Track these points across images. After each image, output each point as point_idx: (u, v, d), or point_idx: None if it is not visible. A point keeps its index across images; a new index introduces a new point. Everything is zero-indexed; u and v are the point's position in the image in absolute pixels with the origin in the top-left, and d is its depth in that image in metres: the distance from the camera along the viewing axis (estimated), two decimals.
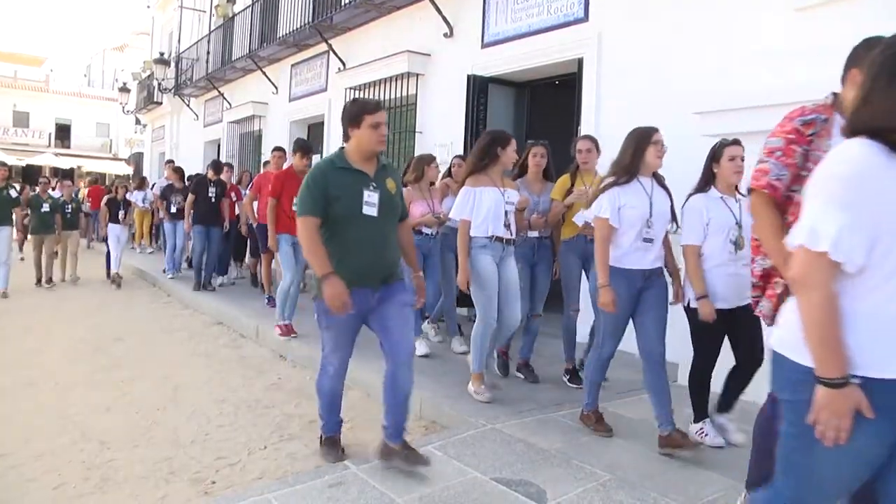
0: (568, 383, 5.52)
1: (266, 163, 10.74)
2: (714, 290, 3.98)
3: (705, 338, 4.09)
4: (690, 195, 4.12)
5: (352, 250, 3.66)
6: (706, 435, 4.15)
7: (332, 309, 3.55)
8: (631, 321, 4.19)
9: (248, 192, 9.73)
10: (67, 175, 37.46)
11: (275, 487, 3.51)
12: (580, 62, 7.19)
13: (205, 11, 19.24)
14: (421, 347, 6.03)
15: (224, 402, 5.56)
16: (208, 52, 17.53)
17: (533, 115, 9.04)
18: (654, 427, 4.07)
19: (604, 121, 6.85)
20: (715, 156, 4.08)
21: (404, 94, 9.77)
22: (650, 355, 4.08)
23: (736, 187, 4.10)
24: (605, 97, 6.92)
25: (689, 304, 4.10)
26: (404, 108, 10.19)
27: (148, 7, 26.71)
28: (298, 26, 12.07)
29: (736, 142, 4.05)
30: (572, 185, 5.31)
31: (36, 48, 58.34)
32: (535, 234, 5.47)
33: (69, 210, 12.22)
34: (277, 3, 13.30)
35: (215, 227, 10.37)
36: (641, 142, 4.03)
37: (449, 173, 6.86)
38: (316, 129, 13.25)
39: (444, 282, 6.59)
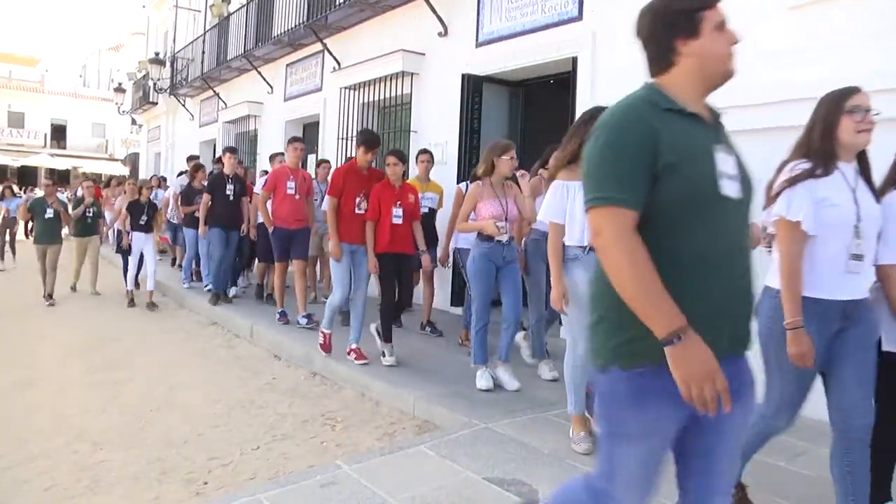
0: None
1: (275, 156, 9.52)
2: None
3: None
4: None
5: (700, 274, 1.80)
6: None
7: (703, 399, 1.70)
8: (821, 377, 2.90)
9: (261, 190, 8.36)
10: (63, 176, 37.49)
11: (267, 488, 3.50)
12: (574, 61, 7.17)
13: (200, 11, 19.20)
14: (481, 381, 5.26)
15: (217, 403, 5.55)
16: (203, 52, 17.50)
17: (527, 115, 9.03)
18: None
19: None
20: None
21: (399, 93, 9.74)
22: (850, 426, 2.78)
23: None
24: (600, 96, 6.89)
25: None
26: (399, 107, 10.17)
27: (143, 7, 26.64)
28: (293, 26, 12.05)
29: None
30: None
31: (31, 48, 58.19)
32: None
33: (90, 214, 10.91)
34: (272, 2, 13.26)
35: (234, 231, 9.08)
36: (831, 112, 2.80)
37: (544, 165, 5.70)
38: (311, 128, 13.22)
39: (533, 297, 5.77)
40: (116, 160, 41.54)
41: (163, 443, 4.70)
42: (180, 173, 13.08)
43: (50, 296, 10.17)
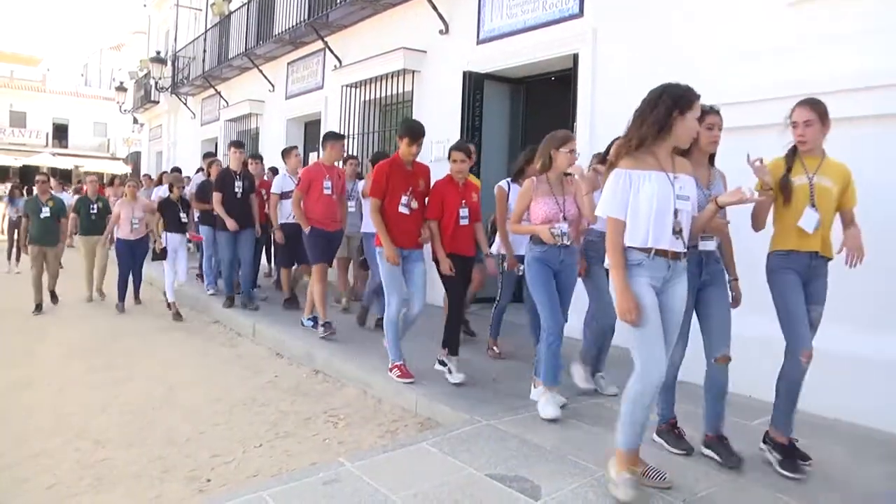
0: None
1: (289, 151, 8.82)
2: None
3: None
4: None
5: None
6: None
7: None
8: None
9: (294, 189, 7.50)
10: (66, 175, 37.52)
11: (270, 485, 3.49)
12: (575, 58, 7.17)
13: (201, 10, 19.21)
14: (548, 408, 4.49)
15: (219, 401, 5.55)
16: (205, 51, 17.51)
17: (529, 111, 9.02)
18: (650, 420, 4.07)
19: (599, 116, 6.84)
20: None
21: (400, 90, 9.74)
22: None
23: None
24: (601, 92, 6.90)
25: None
26: (400, 105, 10.17)
27: (144, 6, 26.63)
28: (294, 24, 12.06)
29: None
30: (786, 173, 3.82)
31: (32, 48, 58.24)
32: (709, 244, 3.80)
33: (94, 211, 10.24)
34: (273, 0, 13.27)
35: (246, 230, 8.50)
36: None
37: (604, 158, 4.71)
38: (312, 126, 13.22)
39: (597, 304, 5.09)
40: (118, 159, 41.65)
41: (165, 441, 4.70)
42: (198, 170, 12.81)
43: (39, 306, 9.28)
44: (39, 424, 5.03)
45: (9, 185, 16.37)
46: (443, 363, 5.49)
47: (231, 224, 8.30)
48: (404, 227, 5.37)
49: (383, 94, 10.17)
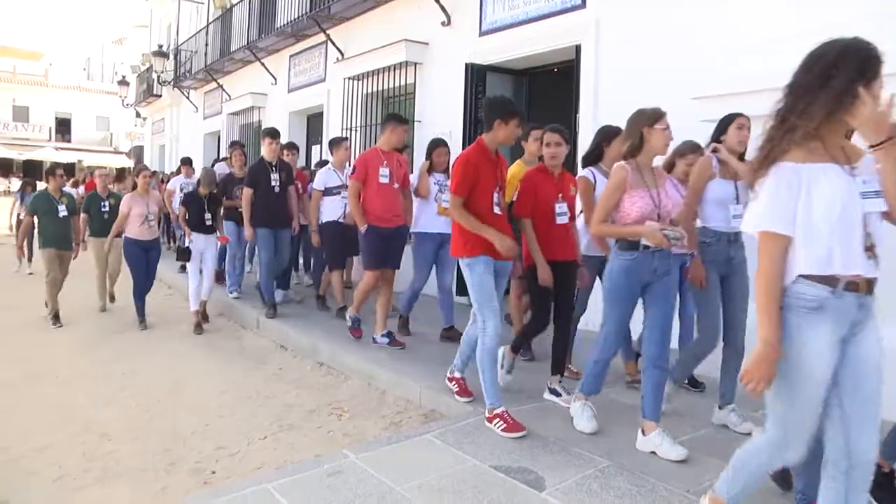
0: None
1: (338, 142, 7.70)
2: None
3: None
4: None
5: None
6: None
7: None
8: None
9: (348, 178, 6.68)
10: (69, 170, 37.55)
11: (274, 477, 3.51)
12: (578, 49, 7.15)
13: (203, 3, 19.18)
14: (585, 421, 4.10)
15: (224, 394, 5.57)
16: (207, 44, 17.50)
17: (531, 103, 9.00)
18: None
19: (602, 107, 6.82)
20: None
21: (403, 83, 9.73)
22: None
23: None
24: (603, 84, 6.89)
25: None
26: (403, 97, 10.16)
27: (146, 0, 26.64)
28: (296, 17, 12.05)
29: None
30: None
31: (35, 42, 58.12)
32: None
33: (106, 209, 8.83)
34: None
35: (284, 230, 7.68)
36: None
37: (718, 137, 4.20)
38: (315, 119, 13.22)
39: (705, 325, 4.18)
40: (121, 153, 41.73)
41: (170, 434, 4.72)
42: (220, 160, 12.37)
43: (57, 316, 8.28)
44: (46, 417, 5.06)
45: (13, 181, 15.77)
46: (554, 392, 4.68)
47: (249, 233, 7.64)
48: (499, 230, 4.22)
49: (386, 87, 10.15)
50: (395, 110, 10.19)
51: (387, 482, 3.39)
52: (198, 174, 10.33)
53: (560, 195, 4.56)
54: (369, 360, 5.83)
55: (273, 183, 7.49)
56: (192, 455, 4.35)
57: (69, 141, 44.07)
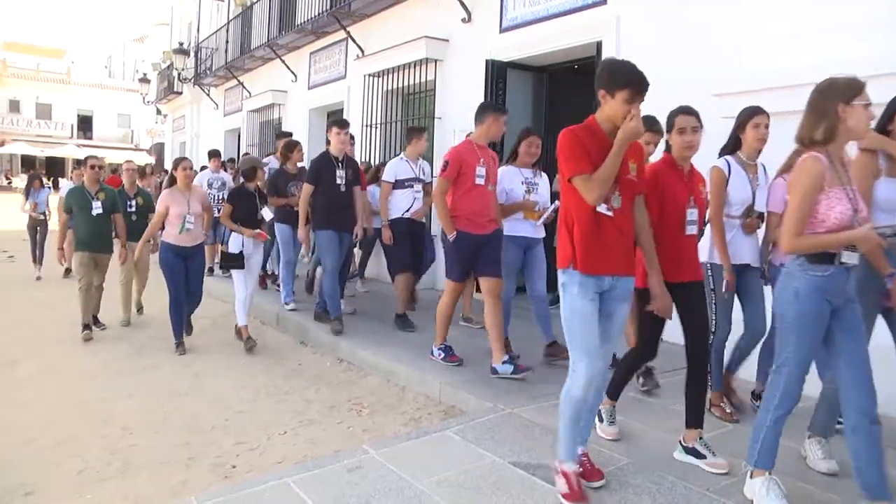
0: None
1: (417, 132, 7.08)
2: None
3: None
4: None
5: None
6: None
7: None
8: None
9: (436, 175, 5.83)
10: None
11: (294, 472, 3.52)
12: (598, 46, 7.11)
13: (223, 1, 19.28)
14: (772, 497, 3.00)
15: (244, 389, 5.60)
16: (227, 42, 17.60)
17: (552, 100, 8.96)
18: (673, 410, 4.04)
19: None
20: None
21: (423, 80, 9.72)
22: None
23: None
24: None
25: None
26: (423, 94, 10.16)
27: None
28: (316, 14, 12.07)
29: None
30: None
31: (57, 40, 58.79)
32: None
33: (132, 209, 8.04)
34: None
35: (347, 232, 6.79)
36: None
37: (736, 136, 4.12)
38: (335, 116, 13.23)
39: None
40: (142, 150, 42.09)
41: (190, 428, 4.75)
42: (244, 155, 12.10)
43: (88, 326, 7.26)
44: (67, 410, 5.10)
45: (25, 177, 14.16)
46: (694, 452, 3.59)
47: (303, 234, 6.78)
48: (611, 237, 3.11)
49: (406, 84, 10.15)
50: (415, 107, 10.22)
51: (406, 478, 3.39)
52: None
53: (691, 198, 3.66)
54: (389, 356, 5.84)
55: (339, 180, 6.59)
56: (212, 449, 4.38)
57: (91, 138, 44.55)
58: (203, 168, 11.83)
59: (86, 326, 7.23)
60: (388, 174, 6.93)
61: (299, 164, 8.00)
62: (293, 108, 14.57)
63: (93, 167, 7.45)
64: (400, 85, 10.33)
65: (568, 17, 7.52)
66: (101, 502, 3.69)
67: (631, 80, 3.02)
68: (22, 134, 42.25)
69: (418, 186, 6.86)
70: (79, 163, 19.68)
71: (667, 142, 3.77)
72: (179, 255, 6.65)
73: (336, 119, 7.03)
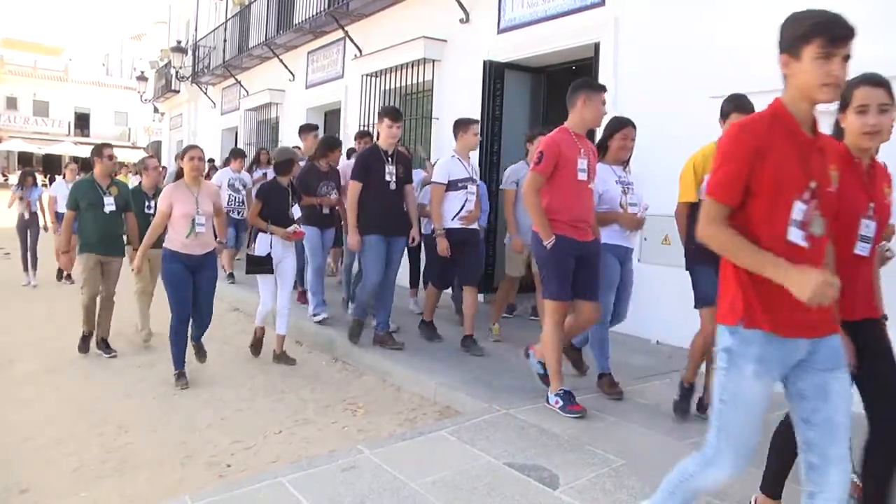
0: None
1: (465, 124, 6.08)
2: None
3: None
4: None
5: None
6: None
7: None
8: None
9: (531, 167, 4.54)
10: (87, 164, 37.90)
11: (289, 471, 3.52)
12: (597, 47, 7.12)
13: None
14: None
15: (240, 388, 5.61)
16: (225, 40, 17.58)
17: (549, 101, 8.97)
18: (668, 412, 4.05)
19: (620, 105, 6.78)
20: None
21: (420, 80, 9.73)
22: None
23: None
24: (622, 82, 6.85)
25: None
26: (420, 94, 10.17)
27: None
28: (314, 13, 12.08)
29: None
30: None
31: (55, 38, 58.68)
32: None
33: (151, 210, 6.75)
34: None
35: (399, 238, 6.03)
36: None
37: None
38: (332, 116, 13.24)
39: None
40: (139, 148, 41.97)
41: (186, 427, 4.75)
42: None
43: (87, 337, 6.51)
44: (64, 409, 5.11)
45: (18, 173, 12.70)
46: None
47: (354, 240, 5.87)
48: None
49: (404, 84, 10.16)
50: (412, 107, 10.21)
51: (401, 478, 3.40)
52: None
53: (871, 205, 2.62)
54: (385, 356, 5.84)
55: (388, 178, 5.85)
56: (207, 448, 4.38)
57: (88, 135, 44.43)
58: (225, 164, 10.90)
59: (84, 338, 6.49)
60: (439, 174, 5.96)
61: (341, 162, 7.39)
62: (290, 107, 14.57)
63: (110, 157, 6.48)
64: (397, 85, 10.34)
65: (566, 19, 7.53)
66: (97, 500, 3.70)
67: (817, 24, 2.16)
68: (19, 131, 42.19)
69: (472, 187, 6.00)
70: (75, 159, 18.53)
71: (837, 124, 2.75)
72: (186, 266, 5.54)
73: (388, 109, 6.23)
